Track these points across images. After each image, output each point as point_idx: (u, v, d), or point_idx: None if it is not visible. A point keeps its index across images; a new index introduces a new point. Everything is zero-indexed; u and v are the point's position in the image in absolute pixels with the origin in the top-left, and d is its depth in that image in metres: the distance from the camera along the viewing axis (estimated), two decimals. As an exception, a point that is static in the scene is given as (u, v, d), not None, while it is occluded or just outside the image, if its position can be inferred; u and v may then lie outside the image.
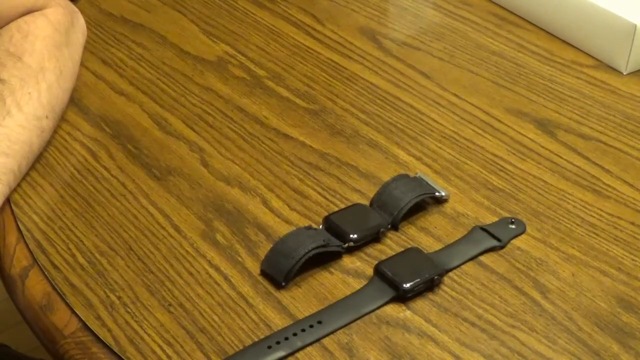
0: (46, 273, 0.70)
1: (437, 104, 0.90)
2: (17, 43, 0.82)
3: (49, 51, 0.83)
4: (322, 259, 0.70)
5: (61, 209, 0.77)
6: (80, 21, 0.90)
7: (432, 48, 0.99)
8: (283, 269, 0.68)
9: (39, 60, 0.82)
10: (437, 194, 0.76)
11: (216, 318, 0.66)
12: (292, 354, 0.64)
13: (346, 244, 0.71)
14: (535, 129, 0.86)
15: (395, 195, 0.74)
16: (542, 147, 0.84)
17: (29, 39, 0.83)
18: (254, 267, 0.71)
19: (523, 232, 0.74)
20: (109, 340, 0.65)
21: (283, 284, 0.68)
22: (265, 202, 0.77)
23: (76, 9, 0.90)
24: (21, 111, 0.78)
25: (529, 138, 0.85)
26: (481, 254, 0.72)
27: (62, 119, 0.86)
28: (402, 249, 0.72)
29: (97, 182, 0.79)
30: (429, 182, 0.77)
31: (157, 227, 0.75)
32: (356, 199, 0.77)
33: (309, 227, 0.72)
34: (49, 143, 0.83)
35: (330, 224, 0.72)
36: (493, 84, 0.93)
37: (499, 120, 0.88)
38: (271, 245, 0.71)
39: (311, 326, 0.65)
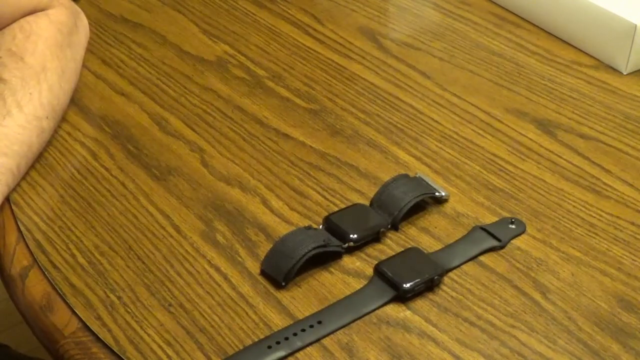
0: (46, 273, 0.70)
1: (437, 104, 0.90)
2: (20, 43, 0.82)
3: (51, 52, 0.83)
4: (322, 259, 0.70)
5: (61, 209, 0.77)
6: (84, 22, 0.90)
7: (432, 48, 0.99)
8: (283, 269, 0.68)
9: (41, 60, 0.82)
10: (437, 194, 0.76)
11: (216, 318, 0.67)
12: (292, 354, 0.64)
13: (346, 244, 0.71)
14: (535, 129, 0.86)
15: (395, 195, 0.74)
16: (542, 147, 0.84)
17: (31, 39, 0.83)
18: (254, 267, 0.71)
19: (523, 232, 0.74)
20: (109, 340, 0.65)
21: (283, 284, 0.68)
22: (265, 202, 0.77)
23: (79, 10, 0.90)
24: (22, 111, 0.78)
25: (529, 138, 0.85)
26: (481, 254, 0.72)
27: (62, 119, 0.86)
28: (402, 249, 0.72)
29: (97, 182, 0.79)
30: (429, 182, 0.77)
31: (157, 227, 0.75)
32: (356, 199, 0.77)
33: (309, 227, 0.72)
34: (49, 143, 0.83)
35: (330, 224, 0.72)
36: (493, 84, 0.93)
37: (499, 120, 0.88)
38: (271, 245, 0.71)
39: (311, 326, 0.65)
